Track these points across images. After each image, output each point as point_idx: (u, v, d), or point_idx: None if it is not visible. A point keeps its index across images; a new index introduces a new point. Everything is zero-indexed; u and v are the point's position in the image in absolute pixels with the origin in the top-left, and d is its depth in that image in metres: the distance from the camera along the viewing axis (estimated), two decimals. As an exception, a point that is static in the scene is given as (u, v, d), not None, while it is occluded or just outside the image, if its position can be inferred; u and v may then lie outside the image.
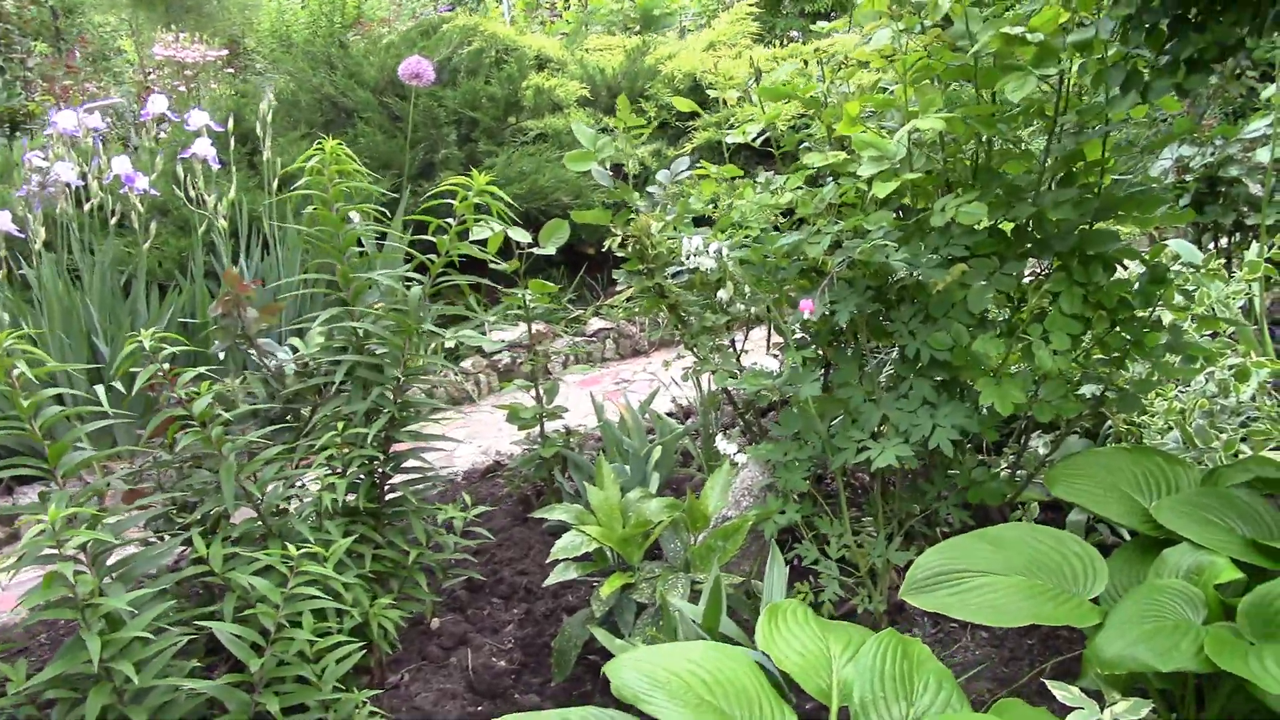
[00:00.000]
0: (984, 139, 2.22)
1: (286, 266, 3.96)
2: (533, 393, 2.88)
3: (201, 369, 2.00)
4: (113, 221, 3.55)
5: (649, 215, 2.50)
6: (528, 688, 2.23)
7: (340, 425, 2.09)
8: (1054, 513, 2.52)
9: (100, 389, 2.26)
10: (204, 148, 3.44)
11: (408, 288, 2.28)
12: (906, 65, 2.02)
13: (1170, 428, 2.62)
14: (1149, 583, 1.59)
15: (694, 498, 2.09)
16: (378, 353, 2.23)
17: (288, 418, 2.41)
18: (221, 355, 2.41)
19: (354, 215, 3.84)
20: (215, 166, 3.52)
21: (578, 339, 4.72)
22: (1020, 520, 2.43)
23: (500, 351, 4.18)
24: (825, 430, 2.19)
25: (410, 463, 2.30)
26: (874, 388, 2.20)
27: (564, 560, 2.11)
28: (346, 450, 2.14)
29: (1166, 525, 1.70)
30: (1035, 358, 1.97)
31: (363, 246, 2.37)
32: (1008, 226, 2.26)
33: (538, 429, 2.91)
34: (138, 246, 3.58)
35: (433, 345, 4.66)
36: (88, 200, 3.36)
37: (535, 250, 2.71)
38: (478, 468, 3.50)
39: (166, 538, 2.22)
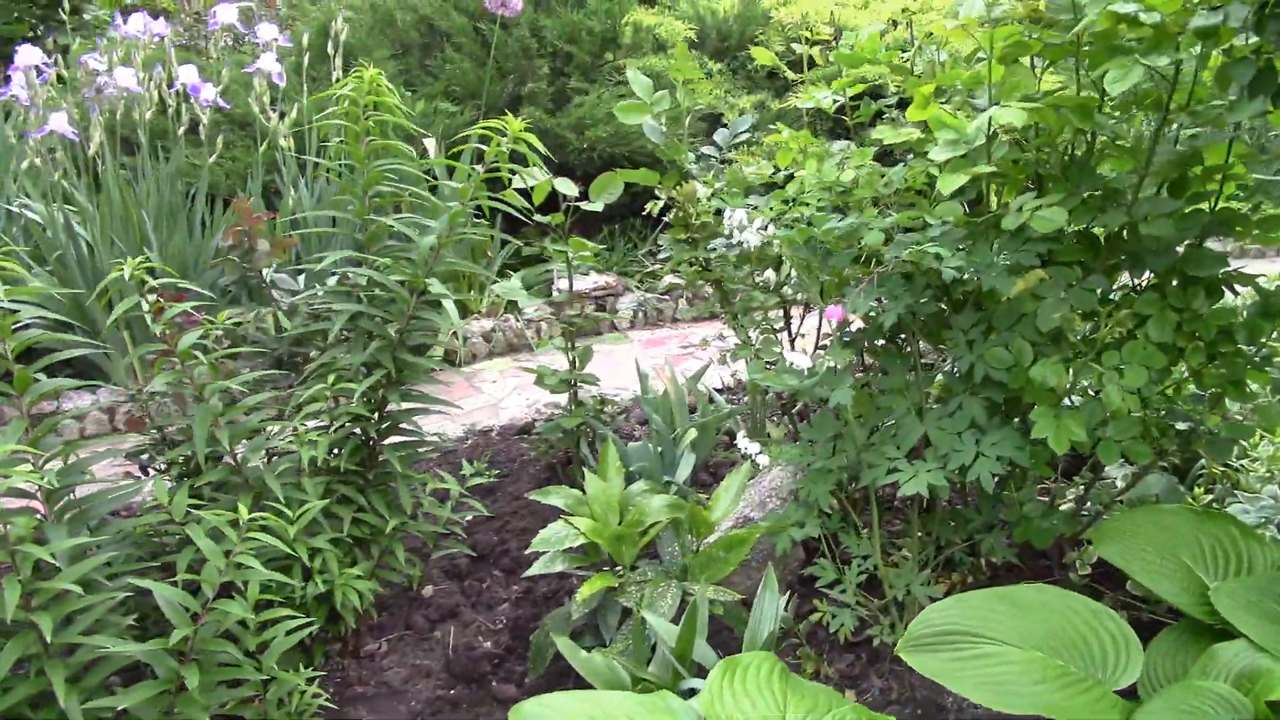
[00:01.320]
0: (1082, 130, 1.92)
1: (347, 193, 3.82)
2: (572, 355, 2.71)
3: (188, 304, 1.88)
4: (181, 131, 3.48)
5: (700, 179, 2.28)
6: (508, 676, 2.08)
7: (331, 378, 1.95)
8: (1119, 556, 2.24)
9: (145, 304, 2.17)
10: (269, 63, 3.32)
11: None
12: (994, 40, 1.73)
13: (1271, 476, 2.30)
14: (1188, 682, 1.34)
15: (695, 504, 1.89)
16: (384, 303, 2.08)
17: (297, 360, 2.29)
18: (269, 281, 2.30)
19: (429, 144, 3.64)
20: (280, 83, 3.41)
21: (649, 295, 4.51)
22: (1076, 562, 2.16)
23: (562, 302, 3.99)
24: (864, 438, 1.96)
25: (416, 422, 2.15)
26: (921, 399, 1.95)
27: (550, 551, 1.94)
28: (336, 405, 2.01)
29: (1224, 614, 1.43)
30: (1103, 392, 1.70)
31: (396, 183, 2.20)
32: (1101, 230, 1.97)
33: (571, 394, 2.74)
34: (204, 158, 3.51)
35: (489, 297, 4.50)
36: (150, 107, 3.29)
37: (583, 205, 2.52)
38: (516, 422, 3.35)
39: (152, 472, 2.14)
